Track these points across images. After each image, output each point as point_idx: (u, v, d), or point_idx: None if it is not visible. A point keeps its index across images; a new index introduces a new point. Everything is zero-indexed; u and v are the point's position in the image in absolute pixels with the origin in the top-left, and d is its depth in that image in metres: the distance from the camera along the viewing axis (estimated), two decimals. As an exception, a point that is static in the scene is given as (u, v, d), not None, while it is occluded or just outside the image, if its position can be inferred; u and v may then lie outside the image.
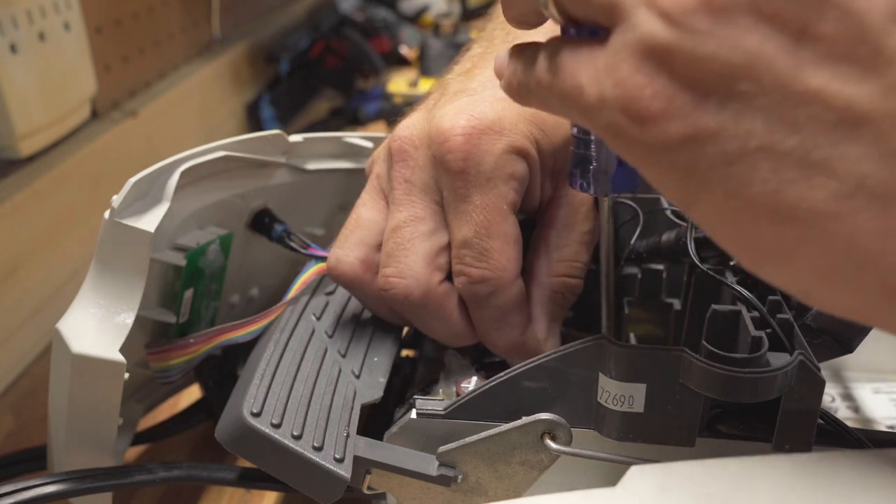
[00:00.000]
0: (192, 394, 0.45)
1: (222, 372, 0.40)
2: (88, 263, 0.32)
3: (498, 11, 0.39)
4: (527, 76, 0.25)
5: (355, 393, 0.34)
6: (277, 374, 0.32)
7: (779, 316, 0.30)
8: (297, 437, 0.30)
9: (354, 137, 0.45)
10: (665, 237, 0.36)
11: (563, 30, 0.24)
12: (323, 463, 0.29)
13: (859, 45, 0.18)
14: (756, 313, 0.30)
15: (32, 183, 0.53)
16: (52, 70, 0.56)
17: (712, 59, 0.19)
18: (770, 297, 0.31)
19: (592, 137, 0.27)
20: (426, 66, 1.08)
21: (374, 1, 1.31)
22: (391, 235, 0.34)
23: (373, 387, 0.35)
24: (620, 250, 0.37)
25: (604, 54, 0.21)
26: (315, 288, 0.39)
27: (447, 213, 0.33)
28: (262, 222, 0.40)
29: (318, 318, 0.37)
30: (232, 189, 0.38)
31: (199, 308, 0.38)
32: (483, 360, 0.36)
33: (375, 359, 0.36)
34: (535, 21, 0.26)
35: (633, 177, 0.28)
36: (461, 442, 0.30)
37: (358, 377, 0.35)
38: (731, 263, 0.34)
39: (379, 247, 0.35)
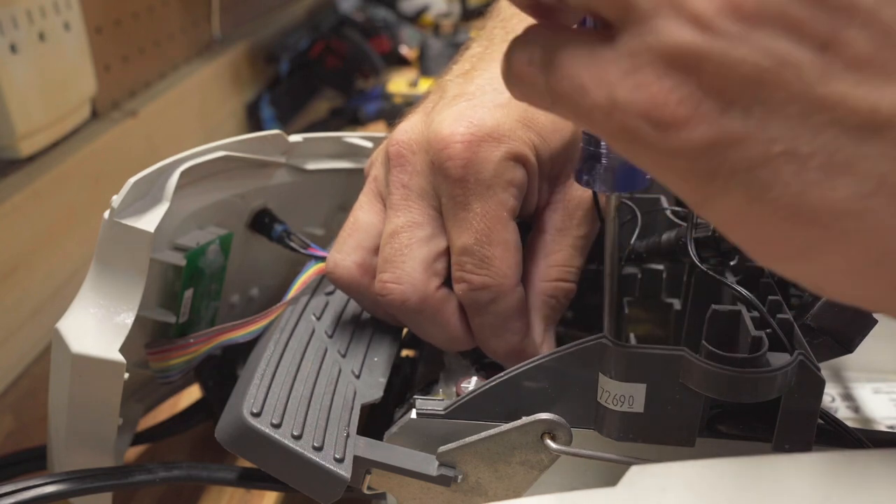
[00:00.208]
0: (192, 394, 0.45)
1: (222, 372, 0.40)
2: (88, 263, 0.32)
3: (498, 9, 0.39)
4: (523, 73, 0.23)
5: (355, 393, 0.34)
6: (277, 374, 0.32)
7: (779, 316, 0.30)
8: (297, 437, 0.30)
9: (354, 137, 0.45)
10: (665, 237, 0.36)
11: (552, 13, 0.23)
12: (323, 463, 0.29)
13: (885, 51, 0.18)
14: (756, 313, 0.30)
15: (32, 183, 0.53)
16: (52, 70, 0.56)
17: (742, 66, 0.19)
18: (770, 297, 0.31)
19: None
20: (426, 66, 1.08)
21: (374, 1, 1.31)
22: (388, 240, 0.34)
23: (373, 387, 0.35)
24: (621, 250, 0.37)
25: (614, 55, 0.20)
26: (315, 288, 0.39)
27: (446, 220, 0.33)
28: (262, 222, 0.40)
29: (318, 318, 0.37)
30: (232, 189, 0.38)
31: (199, 308, 0.38)
32: (483, 360, 0.36)
33: (375, 359, 0.36)
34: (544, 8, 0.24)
35: (642, 176, 0.27)
36: (461, 442, 0.30)
37: (358, 377, 0.35)
38: (731, 263, 0.34)
39: (376, 250, 0.35)
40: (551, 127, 0.33)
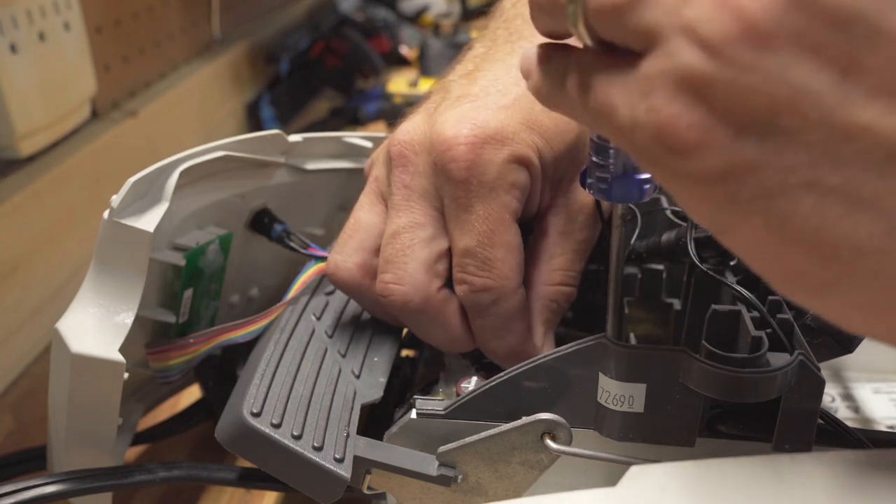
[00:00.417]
0: (192, 394, 0.45)
1: (222, 372, 0.40)
2: (88, 263, 0.32)
3: (500, 9, 0.39)
4: (556, 87, 0.24)
5: (355, 393, 0.34)
6: (277, 374, 0.32)
7: (779, 316, 0.30)
8: (297, 437, 0.30)
9: (354, 137, 0.45)
10: (665, 237, 0.36)
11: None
12: (323, 463, 0.29)
13: None
14: (756, 313, 0.30)
15: (32, 183, 0.53)
16: (52, 70, 0.56)
17: (754, 93, 0.18)
18: (770, 297, 0.31)
19: (611, 146, 0.27)
20: (426, 66, 1.08)
21: (374, 1, 1.31)
22: (390, 241, 0.34)
23: (373, 387, 0.35)
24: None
25: (636, 77, 0.20)
26: (315, 288, 0.39)
27: (448, 221, 0.33)
28: (262, 222, 0.40)
29: (318, 318, 0.37)
30: (231, 189, 0.38)
31: (198, 308, 0.38)
32: (483, 360, 0.36)
33: (375, 359, 0.36)
34: (565, 35, 0.24)
35: (645, 188, 0.27)
36: (461, 442, 0.30)
37: (358, 377, 0.35)
38: (731, 263, 0.34)
39: (377, 251, 0.35)
40: (555, 130, 0.33)
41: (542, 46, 0.25)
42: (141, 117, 0.68)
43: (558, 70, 0.24)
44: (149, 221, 0.32)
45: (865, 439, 0.30)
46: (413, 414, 0.31)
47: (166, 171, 0.33)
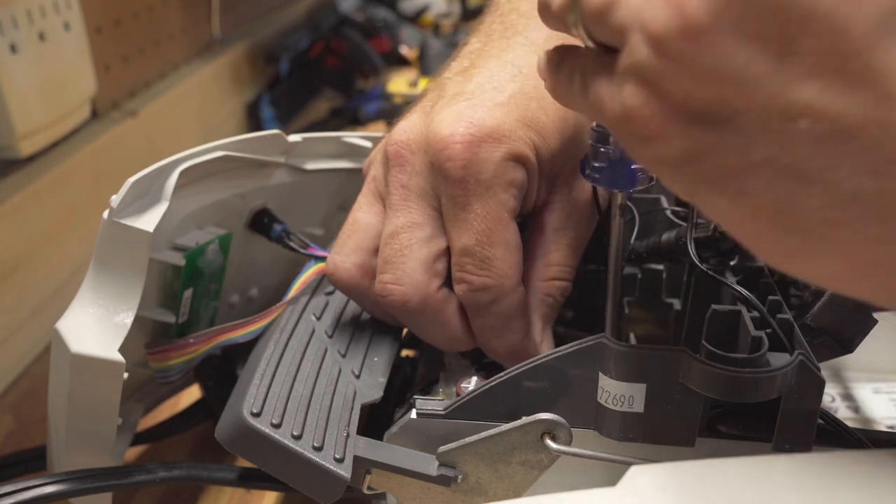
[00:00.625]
0: (192, 394, 0.45)
1: (222, 372, 0.40)
2: (88, 263, 0.32)
3: (496, 4, 0.39)
4: (566, 86, 0.26)
5: (355, 393, 0.34)
6: (277, 374, 0.32)
7: (779, 316, 0.30)
8: (297, 437, 0.30)
9: (354, 137, 0.45)
10: (665, 237, 0.36)
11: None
12: (323, 463, 0.29)
13: (846, 59, 0.18)
14: (756, 313, 0.30)
15: (32, 183, 0.53)
16: (52, 70, 0.56)
17: (698, 84, 0.19)
18: (770, 297, 0.31)
19: (610, 134, 0.28)
20: (426, 66, 1.08)
21: (374, 1, 1.31)
22: (388, 241, 0.34)
23: (373, 387, 0.35)
24: (622, 250, 0.37)
25: (615, 73, 0.22)
26: (315, 288, 0.39)
27: (446, 221, 0.33)
28: (262, 222, 0.40)
29: (318, 318, 0.37)
30: (231, 189, 0.38)
31: (198, 308, 0.38)
32: (483, 360, 0.36)
33: (375, 359, 0.36)
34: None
35: (642, 176, 0.29)
36: (461, 442, 0.30)
37: (358, 377, 0.35)
38: (731, 263, 0.34)
39: (376, 251, 0.35)
40: (551, 127, 0.33)
41: (551, 51, 0.27)
42: (141, 117, 0.68)
43: (568, 71, 0.25)
44: (148, 221, 0.32)
45: (865, 439, 0.30)
46: (413, 414, 0.31)
47: (166, 171, 0.33)
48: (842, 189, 0.19)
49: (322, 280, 0.40)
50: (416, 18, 1.32)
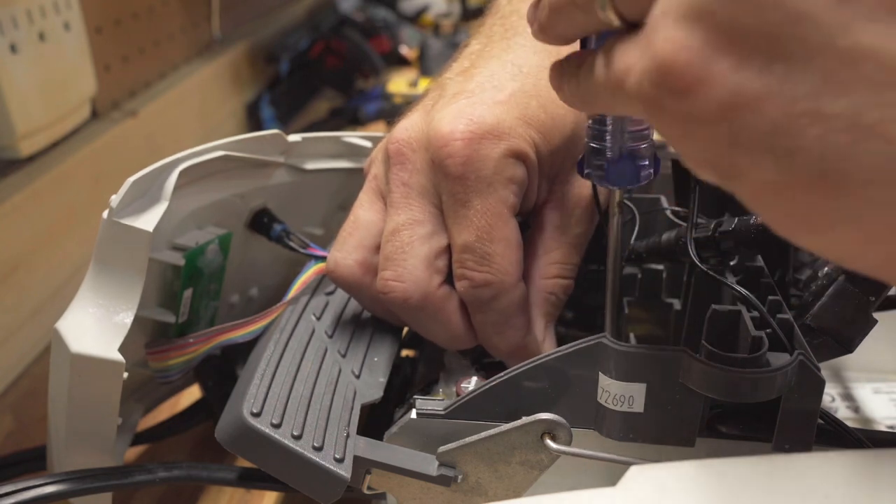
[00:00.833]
0: (192, 394, 0.45)
1: (222, 372, 0.40)
2: (88, 263, 0.32)
3: (496, 6, 0.39)
4: (574, 82, 0.25)
5: (355, 393, 0.34)
6: (277, 374, 0.32)
7: (779, 316, 0.30)
8: (297, 437, 0.30)
9: (353, 137, 0.45)
10: (665, 237, 0.36)
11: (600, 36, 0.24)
12: (323, 463, 0.29)
13: None
14: (756, 313, 0.30)
15: (32, 183, 0.53)
16: (52, 70, 0.56)
17: (754, 18, 0.18)
18: (770, 297, 0.31)
19: (608, 128, 0.28)
20: (426, 66, 1.08)
21: (374, 1, 1.31)
22: (390, 238, 0.34)
23: (373, 387, 0.35)
24: (622, 249, 0.37)
25: (644, 29, 0.20)
26: (315, 288, 0.39)
27: (447, 218, 0.33)
28: (262, 222, 0.40)
29: (318, 318, 0.37)
30: (231, 189, 0.38)
31: (198, 308, 0.38)
32: (483, 360, 0.36)
33: (375, 359, 0.36)
34: (580, 33, 0.26)
35: (641, 172, 0.29)
36: (461, 442, 0.30)
37: (358, 377, 0.35)
38: (731, 263, 0.34)
39: (377, 249, 0.35)
40: (551, 125, 0.33)
41: (559, 62, 0.26)
42: (141, 117, 0.68)
43: (575, 69, 0.25)
44: (148, 221, 0.32)
45: (865, 439, 0.30)
46: (413, 414, 0.31)
47: (166, 170, 0.33)
48: None
49: (322, 280, 0.40)
50: (416, 18, 1.32)
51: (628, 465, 0.25)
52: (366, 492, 0.31)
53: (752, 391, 0.27)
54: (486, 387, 0.31)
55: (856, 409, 0.44)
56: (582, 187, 0.35)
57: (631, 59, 0.21)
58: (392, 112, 0.91)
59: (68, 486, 0.31)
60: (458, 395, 0.34)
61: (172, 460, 0.34)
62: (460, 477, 0.31)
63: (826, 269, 0.32)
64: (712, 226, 0.33)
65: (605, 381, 0.29)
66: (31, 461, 0.39)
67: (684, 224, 0.35)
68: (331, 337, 0.36)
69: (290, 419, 0.30)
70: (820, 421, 0.29)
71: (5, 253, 0.50)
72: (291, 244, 0.40)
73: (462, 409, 0.31)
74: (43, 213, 0.54)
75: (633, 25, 0.22)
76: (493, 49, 0.36)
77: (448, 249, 0.34)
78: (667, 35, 0.19)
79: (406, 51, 1.14)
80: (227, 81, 0.88)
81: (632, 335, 0.34)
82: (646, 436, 0.29)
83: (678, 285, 0.39)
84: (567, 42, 0.26)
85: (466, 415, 0.31)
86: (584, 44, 0.27)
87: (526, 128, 0.33)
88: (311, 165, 0.43)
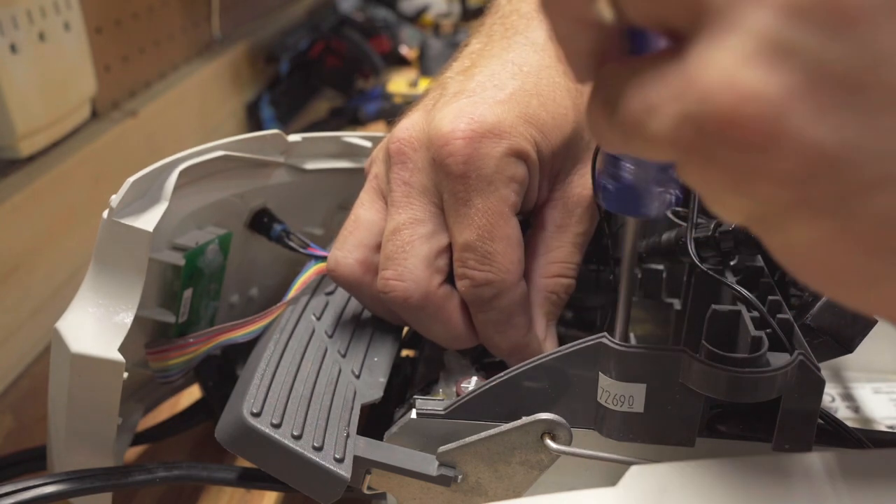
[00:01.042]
0: (192, 394, 0.45)
1: (222, 372, 0.40)
2: (88, 263, 0.32)
3: (497, 6, 0.39)
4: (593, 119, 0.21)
5: (355, 393, 0.34)
6: (277, 374, 0.32)
7: (779, 316, 0.30)
8: (297, 437, 0.30)
9: (353, 137, 0.45)
10: (665, 237, 0.36)
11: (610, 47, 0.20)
12: (323, 463, 0.29)
13: None
14: (756, 313, 0.29)
15: (32, 183, 0.53)
16: (52, 70, 0.56)
17: (843, 62, 0.15)
18: (770, 297, 0.31)
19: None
20: (426, 66, 1.08)
21: (374, 1, 1.31)
22: (390, 237, 0.34)
23: (373, 387, 0.35)
24: (620, 249, 0.37)
25: (682, 64, 0.17)
26: (315, 288, 0.39)
27: (447, 217, 0.33)
28: (261, 222, 0.40)
29: (318, 318, 0.37)
30: (231, 189, 0.38)
31: (198, 308, 0.38)
32: (483, 360, 0.36)
33: (375, 359, 0.36)
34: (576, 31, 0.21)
35: (656, 203, 0.26)
36: (461, 442, 0.30)
37: (358, 377, 0.35)
38: (731, 263, 0.34)
39: (378, 248, 0.35)
40: (552, 123, 0.33)
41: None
42: (141, 117, 0.68)
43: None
44: (148, 221, 0.32)
45: (865, 439, 0.30)
46: (413, 414, 0.31)
47: (166, 170, 0.33)
48: None
49: (322, 280, 0.40)
50: (416, 18, 1.32)
51: (628, 465, 0.25)
52: (366, 492, 0.32)
53: (752, 391, 0.27)
54: (486, 387, 0.31)
55: (856, 409, 0.44)
56: (583, 187, 0.35)
57: (655, 96, 0.18)
58: (392, 112, 0.91)
59: (68, 486, 0.31)
60: (458, 395, 0.34)
61: (172, 460, 0.34)
62: (460, 477, 0.31)
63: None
64: (712, 226, 0.33)
65: (605, 381, 0.29)
66: (31, 461, 0.39)
67: (684, 224, 0.35)
68: (331, 337, 0.36)
69: (290, 419, 0.30)
70: (820, 421, 0.29)
71: (5, 253, 0.50)
72: (291, 244, 0.40)
73: (462, 409, 0.31)
74: (43, 213, 0.54)
75: (637, 34, 0.19)
76: (494, 48, 0.36)
77: (449, 249, 0.34)
78: (729, 72, 0.16)
79: (406, 51, 1.14)
80: (227, 81, 0.88)
81: (632, 335, 0.34)
82: (646, 436, 0.29)
83: (678, 285, 0.39)
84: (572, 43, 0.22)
85: (466, 415, 0.31)
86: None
87: (527, 127, 0.33)
88: (311, 165, 0.43)
